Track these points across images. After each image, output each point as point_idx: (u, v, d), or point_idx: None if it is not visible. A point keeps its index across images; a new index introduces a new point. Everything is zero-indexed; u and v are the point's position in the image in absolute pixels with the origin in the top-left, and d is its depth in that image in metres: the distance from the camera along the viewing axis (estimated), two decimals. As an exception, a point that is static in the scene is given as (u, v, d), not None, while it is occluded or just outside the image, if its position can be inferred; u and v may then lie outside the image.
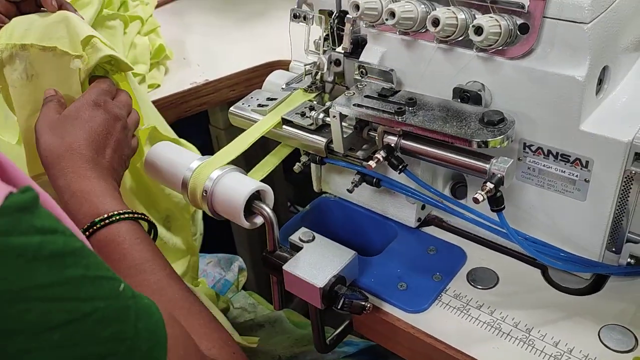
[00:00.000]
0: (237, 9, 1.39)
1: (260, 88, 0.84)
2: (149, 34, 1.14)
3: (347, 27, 0.72)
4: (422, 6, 0.65)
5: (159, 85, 1.10)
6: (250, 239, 1.41)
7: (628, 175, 0.60)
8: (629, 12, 0.63)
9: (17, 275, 0.35)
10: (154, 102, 0.94)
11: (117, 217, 0.62)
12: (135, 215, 0.64)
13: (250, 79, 1.11)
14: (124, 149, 0.73)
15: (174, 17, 1.36)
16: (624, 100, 0.65)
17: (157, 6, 1.36)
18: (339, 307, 0.63)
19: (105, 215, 0.61)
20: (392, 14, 0.63)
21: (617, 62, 0.64)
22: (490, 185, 0.58)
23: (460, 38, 0.63)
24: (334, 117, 0.68)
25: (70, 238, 0.39)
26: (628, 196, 0.62)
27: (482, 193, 0.58)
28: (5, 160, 0.40)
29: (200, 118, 1.28)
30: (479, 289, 0.69)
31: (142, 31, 1.13)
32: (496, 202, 0.59)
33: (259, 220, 0.68)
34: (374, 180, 0.71)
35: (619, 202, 0.63)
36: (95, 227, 0.61)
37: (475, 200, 0.58)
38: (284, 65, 1.02)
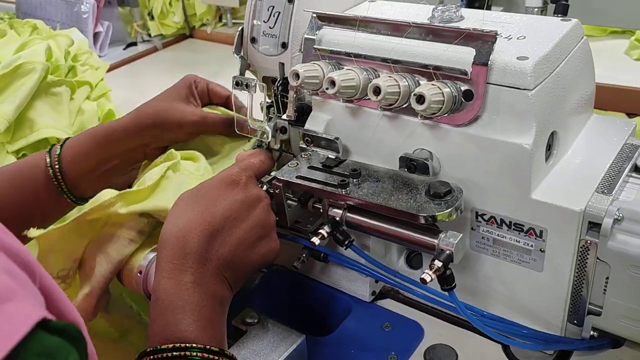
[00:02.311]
0: (193, 69, 1.36)
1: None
2: (99, 98, 1.11)
3: (291, 95, 0.69)
4: (365, 73, 0.62)
5: (108, 151, 1.06)
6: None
7: (584, 245, 0.57)
8: (574, 75, 0.61)
9: None
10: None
11: (192, 354, 0.45)
12: (218, 356, 0.47)
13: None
14: (254, 248, 0.56)
15: (128, 78, 1.34)
16: (577, 163, 0.62)
17: (112, 68, 1.34)
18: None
19: (175, 346, 0.45)
20: (333, 83, 0.60)
21: (566, 126, 0.62)
22: (438, 263, 0.54)
23: (405, 105, 0.61)
24: (277, 190, 0.64)
25: None
26: (586, 266, 0.59)
27: (430, 273, 0.54)
28: (54, 288, 0.32)
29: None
30: (438, 368, 0.65)
31: (91, 96, 1.10)
32: (446, 280, 0.55)
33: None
34: (322, 255, 0.67)
35: (577, 272, 0.59)
36: (157, 357, 0.45)
37: (423, 281, 0.54)
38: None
